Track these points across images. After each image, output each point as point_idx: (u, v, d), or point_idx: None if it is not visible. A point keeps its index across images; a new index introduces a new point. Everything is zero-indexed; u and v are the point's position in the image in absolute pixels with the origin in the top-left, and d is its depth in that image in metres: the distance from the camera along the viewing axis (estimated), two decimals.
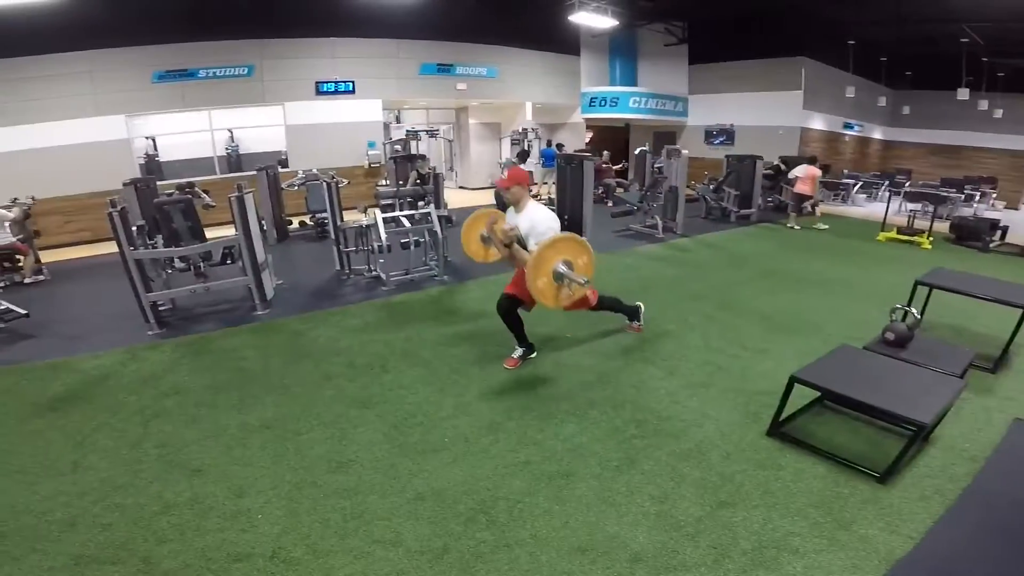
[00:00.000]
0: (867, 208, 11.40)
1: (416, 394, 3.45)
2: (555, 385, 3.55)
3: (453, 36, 11.84)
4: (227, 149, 11.22)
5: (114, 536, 2.29)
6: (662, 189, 8.17)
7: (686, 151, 8.25)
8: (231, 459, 2.84)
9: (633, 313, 4.30)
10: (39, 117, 8.82)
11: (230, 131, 11.19)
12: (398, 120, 13.64)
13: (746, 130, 14.21)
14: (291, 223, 8.83)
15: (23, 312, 4.98)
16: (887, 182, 13.16)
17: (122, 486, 2.62)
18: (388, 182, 9.38)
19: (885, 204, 9.21)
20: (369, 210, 5.95)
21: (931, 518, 2.29)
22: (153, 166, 10.53)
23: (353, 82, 11.16)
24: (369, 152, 11.33)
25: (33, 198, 6.88)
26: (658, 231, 8.04)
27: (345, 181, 7.47)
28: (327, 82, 10.99)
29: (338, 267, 6.12)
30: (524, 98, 13.50)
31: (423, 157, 8.53)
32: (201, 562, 2.15)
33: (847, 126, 15.58)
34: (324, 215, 8.11)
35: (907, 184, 12.33)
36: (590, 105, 14.64)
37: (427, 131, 10.43)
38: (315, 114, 11.02)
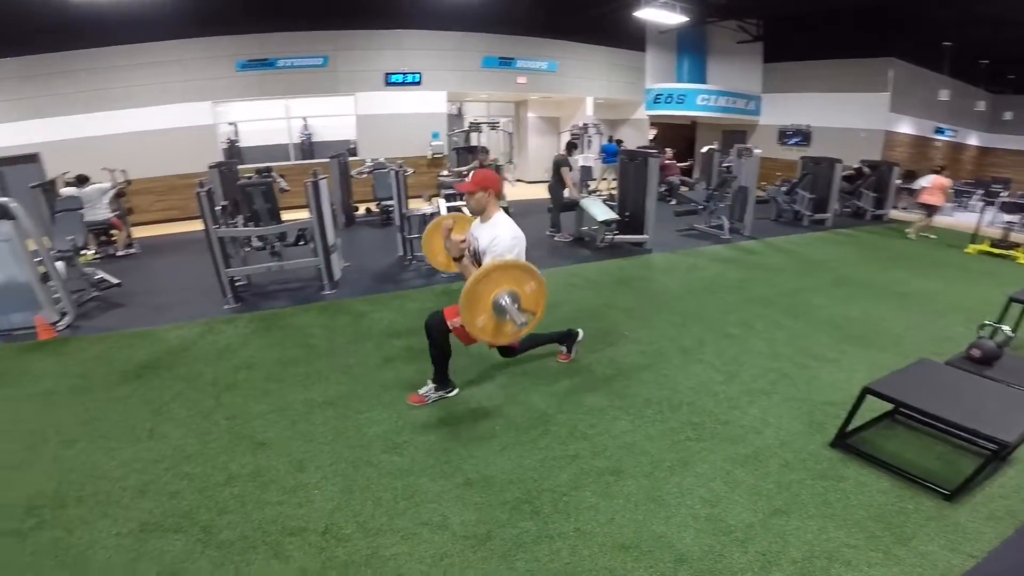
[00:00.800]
0: (955, 218, 10.51)
1: (471, 381, 3.50)
2: (610, 383, 3.51)
3: (515, 30, 11.83)
4: (301, 137, 11.77)
5: (180, 504, 2.44)
6: (730, 189, 7.88)
7: (759, 150, 7.90)
8: (294, 433, 2.98)
9: (565, 339, 3.71)
10: (135, 102, 9.58)
11: (304, 119, 11.73)
12: (460, 112, 13.83)
13: (824, 131, 13.49)
14: (357, 209, 9.18)
15: (116, 282, 5.46)
16: (981, 191, 12.07)
17: (192, 455, 2.79)
18: (447, 173, 9.57)
19: (977, 214, 8.46)
20: (433, 199, 6.09)
21: (997, 539, 2.15)
22: (234, 151, 11.19)
23: (420, 74, 11.35)
24: (432, 143, 11.57)
25: (127, 176, 7.49)
26: (724, 232, 7.77)
27: (411, 170, 7.68)
28: (396, 73, 11.22)
29: (401, 253, 6.32)
30: (585, 93, 13.34)
31: (484, 149, 8.60)
32: (257, 534, 2.25)
33: (938, 131, 14.44)
34: (390, 202, 8.41)
35: (1004, 194, 11.27)
36: (655, 102, 14.29)
37: (488, 123, 10.54)
38: (383, 104, 11.29)
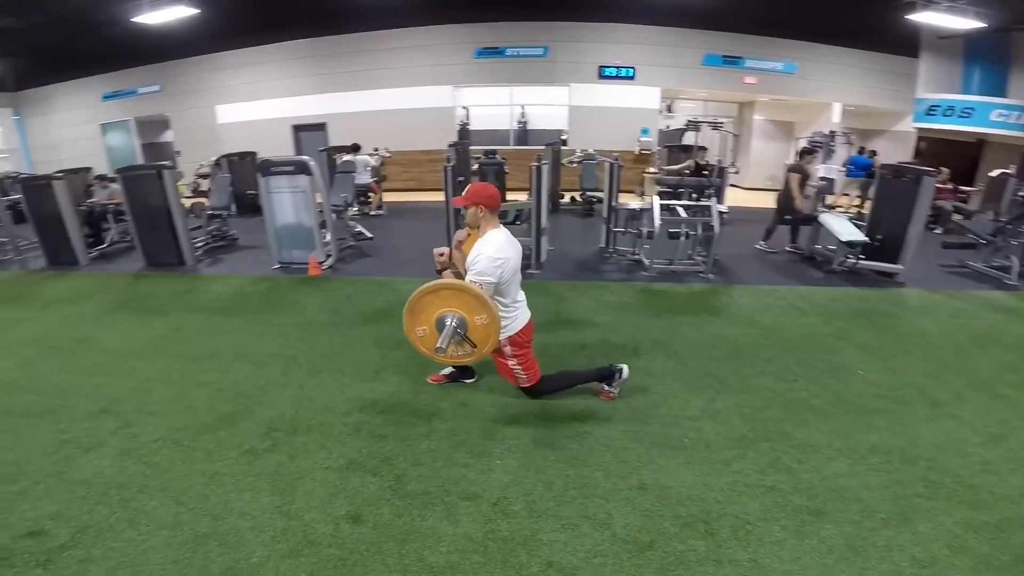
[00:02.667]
0: None
1: (664, 386, 3.32)
2: (829, 420, 3.02)
3: (744, 28, 10.80)
4: (518, 123, 12.58)
5: (383, 449, 2.66)
6: None
7: None
8: (488, 402, 3.14)
9: (605, 376, 3.17)
10: (393, 83, 11.23)
11: (522, 107, 12.48)
12: (670, 109, 13.24)
13: None
14: (563, 197, 9.47)
15: (370, 236, 6.54)
16: None
17: (404, 403, 3.04)
18: (656, 169, 9.25)
19: None
20: (646, 195, 5.93)
21: None
22: (464, 133, 12.47)
23: (634, 68, 11.13)
24: (641, 138, 11.31)
25: (388, 150, 8.94)
26: (1010, 276, 6.05)
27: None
28: (609, 66, 11.15)
29: (603, 244, 6.32)
30: (832, 98, 11.61)
31: (703, 148, 8.08)
32: (439, 493, 2.39)
33: None
34: (594, 193, 8.50)
35: None
36: (928, 114, 11.72)
37: (711, 123, 9.86)
38: (596, 97, 11.34)
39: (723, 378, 3.44)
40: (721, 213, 5.83)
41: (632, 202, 5.81)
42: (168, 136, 13.68)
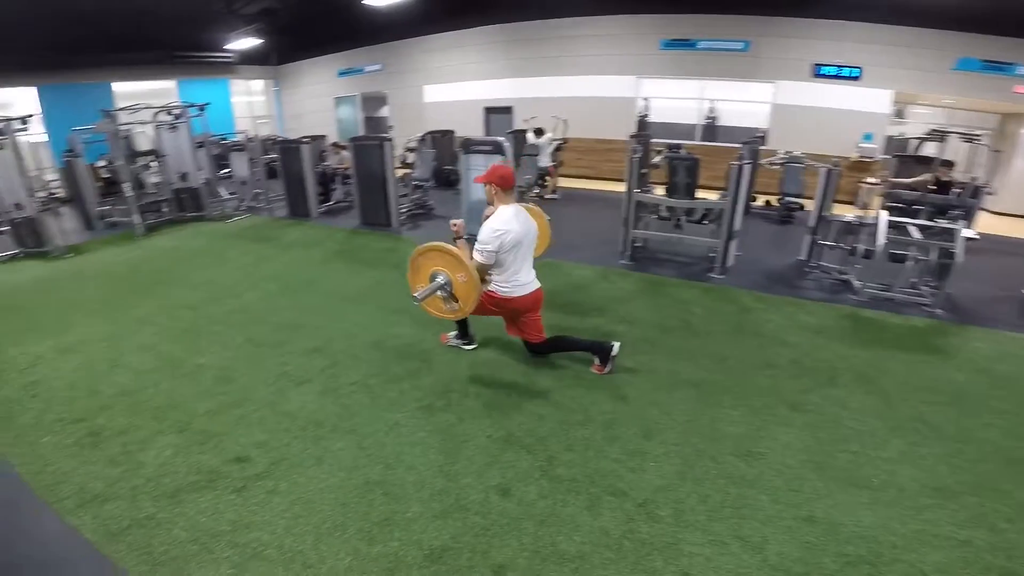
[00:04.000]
0: None
1: (861, 422, 2.94)
2: None
3: (1008, 30, 8.62)
4: (707, 119, 11.77)
5: (540, 428, 2.79)
6: None
7: None
8: (651, 400, 3.05)
9: (598, 350, 3.36)
10: (573, 71, 11.30)
11: (711, 102, 11.64)
12: (900, 115, 11.24)
13: None
14: (755, 200, 8.68)
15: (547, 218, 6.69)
16: None
17: (564, 387, 3.16)
18: (877, 180, 7.93)
19: None
20: (869, 207, 5.12)
21: None
22: (643, 124, 12.09)
23: (860, 68, 9.82)
24: (861, 144, 9.82)
25: (567, 128, 9.03)
26: None
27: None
28: (828, 65, 10.02)
29: (803, 257, 5.64)
30: None
31: (949, 163, 6.70)
32: (587, 482, 2.40)
33: None
34: (796, 200, 7.62)
35: None
36: None
37: (964, 134, 8.07)
38: (806, 96, 10.28)
39: (936, 424, 2.96)
40: (968, 239, 4.79)
41: (848, 214, 5.05)
42: (384, 111, 15.57)
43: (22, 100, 11.67)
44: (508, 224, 2.93)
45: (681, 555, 2.06)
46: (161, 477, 2.50)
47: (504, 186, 3.02)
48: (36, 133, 11.23)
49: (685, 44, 10.77)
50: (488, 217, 3.10)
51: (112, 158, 7.41)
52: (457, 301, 2.94)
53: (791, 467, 2.57)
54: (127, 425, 2.91)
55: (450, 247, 2.86)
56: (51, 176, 10.82)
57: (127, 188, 6.75)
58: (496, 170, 3.05)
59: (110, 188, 8.09)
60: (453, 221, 3.16)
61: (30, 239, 6.11)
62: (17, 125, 5.90)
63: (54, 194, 7.86)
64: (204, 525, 2.21)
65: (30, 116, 6.33)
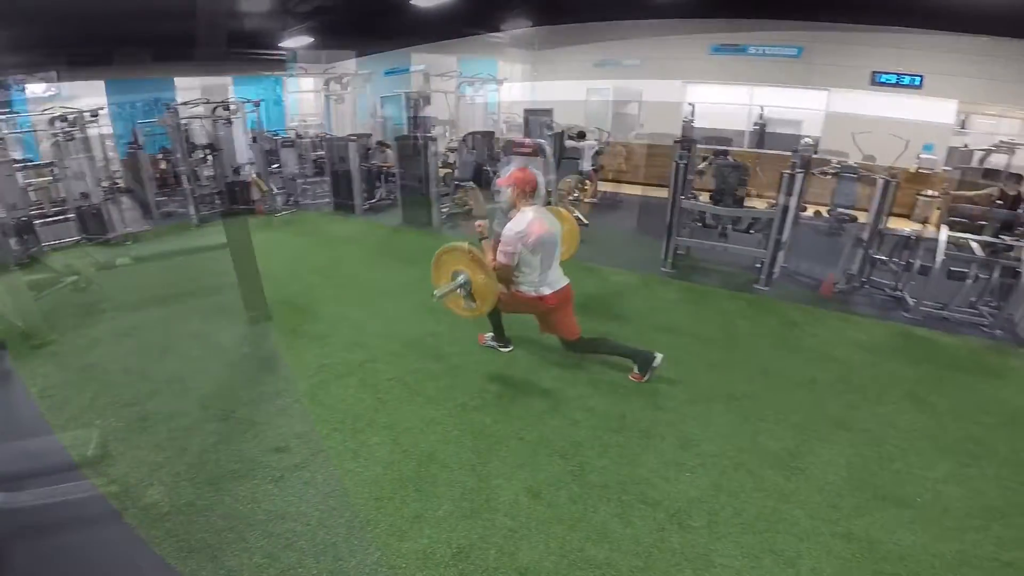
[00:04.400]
0: None
1: (908, 441, 2.83)
2: None
3: None
4: (755, 125, 11.46)
5: (575, 433, 2.79)
6: None
7: None
8: (689, 411, 3.01)
9: (638, 358, 3.33)
10: (615, 74, 11.13)
11: (761, 108, 11.33)
12: (963, 126, 10.72)
13: None
14: (805, 209, 8.37)
15: (586, 223, 6.65)
16: None
17: (599, 394, 3.16)
18: (936, 193, 7.55)
19: None
20: (928, 221, 4.88)
21: None
22: (688, 130, 11.87)
23: (921, 77, 9.50)
24: (921, 155, 9.39)
25: (610, 137, 8.95)
26: None
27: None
28: (887, 73, 9.75)
29: (853, 271, 5.43)
30: None
31: (1018, 176, 6.32)
32: (619, 490, 2.38)
33: None
34: (847, 211, 7.29)
35: None
36: None
37: None
38: (863, 104, 10.02)
39: (989, 445, 2.84)
40: None
41: (906, 228, 4.82)
42: (428, 111, 15.80)
43: (88, 93, 12.37)
44: (530, 227, 2.99)
45: (712, 566, 2.03)
46: (204, 464, 2.59)
47: (526, 190, 3.10)
48: (103, 125, 11.91)
49: (735, 50, 10.63)
50: (510, 219, 3.15)
51: (173, 151, 7.78)
52: (475, 301, 3.02)
53: (831, 483, 2.50)
54: (174, 411, 3.04)
55: (472, 248, 2.96)
56: (115, 167, 11.44)
57: (185, 180, 7.08)
58: (519, 175, 3.12)
59: (167, 179, 8.50)
60: (478, 222, 3.30)
61: (94, 226, 6.48)
62: (88, 118, 6.28)
63: (117, 184, 8.30)
64: (240, 513, 2.29)
65: (100, 109, 6.73)
